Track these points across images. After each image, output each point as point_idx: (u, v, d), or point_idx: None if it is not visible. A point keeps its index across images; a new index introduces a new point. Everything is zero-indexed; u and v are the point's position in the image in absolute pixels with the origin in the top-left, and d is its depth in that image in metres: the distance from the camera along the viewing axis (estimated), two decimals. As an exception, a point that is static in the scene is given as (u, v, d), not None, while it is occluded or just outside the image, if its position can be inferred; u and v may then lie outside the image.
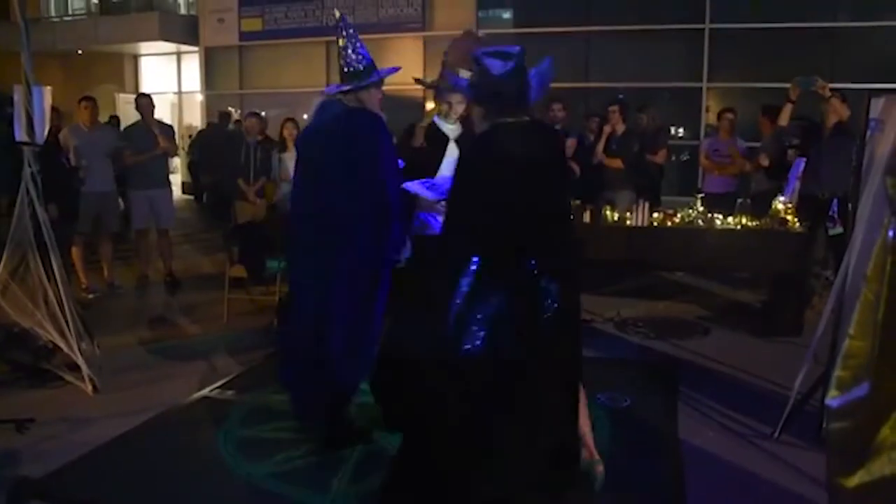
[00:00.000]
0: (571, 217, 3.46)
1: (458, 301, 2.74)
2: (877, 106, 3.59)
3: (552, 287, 2.79)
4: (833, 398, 1.81)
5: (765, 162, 6.93)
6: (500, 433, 2.74)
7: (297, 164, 3.81)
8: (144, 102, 7.28)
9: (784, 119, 6.18)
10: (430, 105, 13.53)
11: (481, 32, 13.44)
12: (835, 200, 5.79)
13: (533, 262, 2.80)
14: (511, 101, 2.93)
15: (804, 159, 6.26)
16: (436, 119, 4.43)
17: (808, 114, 6.84)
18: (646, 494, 3.30)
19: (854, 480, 1.65)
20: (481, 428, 2.73)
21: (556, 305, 2.79)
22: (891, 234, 1.63)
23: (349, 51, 3.60)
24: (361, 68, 3.60)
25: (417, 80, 4.56)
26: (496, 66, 2.92)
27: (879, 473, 1.61)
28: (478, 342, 2.71)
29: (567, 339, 2.93)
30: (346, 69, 3.60)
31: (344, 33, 3.64)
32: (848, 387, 1.77)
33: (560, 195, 3.11)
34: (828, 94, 5.83)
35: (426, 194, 4.02)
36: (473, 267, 2.75)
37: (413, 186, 4.02)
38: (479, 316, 2.72)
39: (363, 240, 3.53)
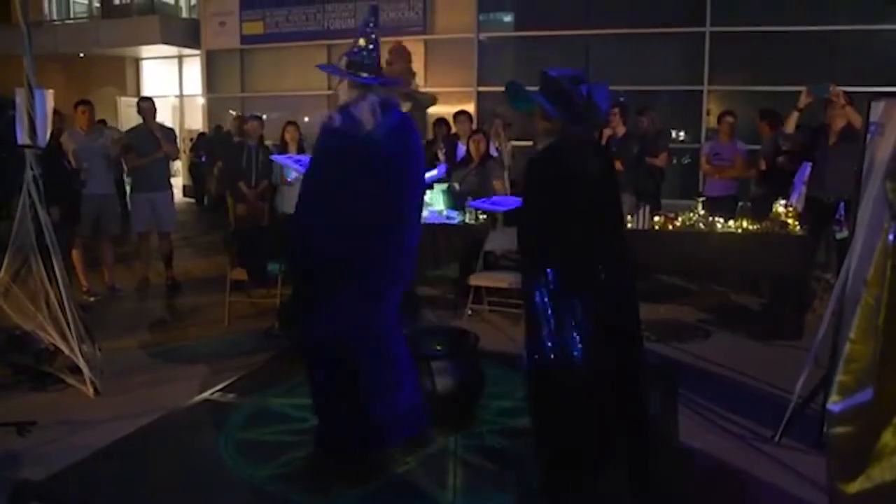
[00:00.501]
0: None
1: (550, 313, 2.94)
2: (877, 110, 3.60)
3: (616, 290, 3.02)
4: (835, 403, 1.80)
5: (762, 166, 6.94)
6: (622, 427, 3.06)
7: (341, 166, 3.26)
8: (147, 106, 7.30)
9: (790, 126, 6.16)
10: (431, 108, 13.53)
11: (482, 36, 13.51)
12: (841, 204, 5.77)
13: (601, 268, 3.00)
14: (587, 115, 3.08)
15: (810, 164, 6.26)
16: None
17: (809, 117, 6.86)
18: (647, 497, 3.30)
19: (855, 486, 1.65)
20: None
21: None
22: (891, 237, 1.63)
23: (371, 47, 3.31)
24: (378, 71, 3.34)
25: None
26: (572, 79, 3.06)
27: (880, 479, 1.60)
28: (578, 346, 2.92)
29: (630, 338, 3.14)
30: (377, 64, 3.34)
31: (372, 24, 3.36)
32: (850, 392, 1.77)
33: (618, 205, 3.29)
34: (842, 101, 5.78)
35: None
36: (551, 278, 2.94)
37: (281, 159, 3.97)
38: (573, 322, 2.92)
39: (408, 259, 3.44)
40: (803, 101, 5.94)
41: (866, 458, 1.63)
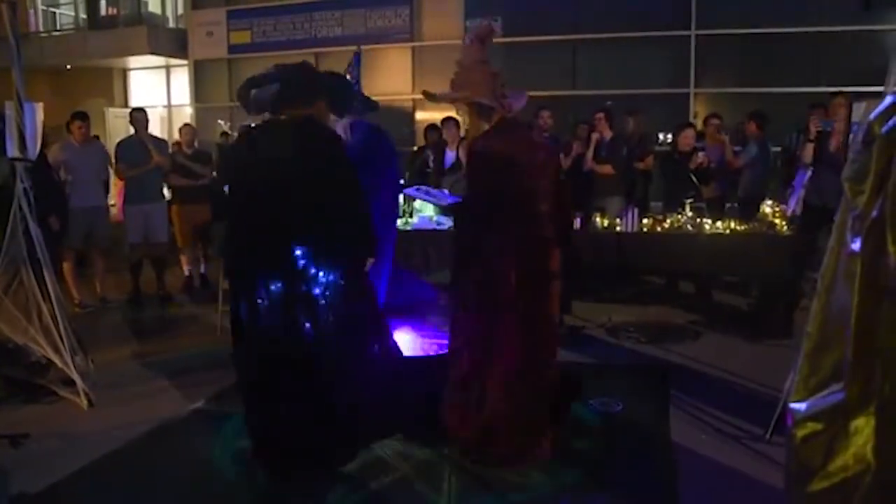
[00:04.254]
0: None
1: None
2: (859, 110, 3.66)
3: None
4: (800, 401, 1.81)
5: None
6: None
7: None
8: (139, 117, 7.29)
9: (808, 157, 6.25)
10: (419, 115, 13.59)
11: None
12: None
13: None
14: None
15: (810, 169, 6.32)
16: None
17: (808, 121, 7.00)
18: (639, 498, 3.33)
19: (815, 485, 1.66)
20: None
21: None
22: (856, 247, 1.65)
23: None
24: None
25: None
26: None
27: (843, 475, 1.62)
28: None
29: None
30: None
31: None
32: (816, 390, 1.78)
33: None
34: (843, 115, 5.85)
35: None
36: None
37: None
38: None
39: None
40: (813, 132, 6.04)
41: (829, 456, 1.64)
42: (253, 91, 3.42)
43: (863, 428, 1.58)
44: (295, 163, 3.29)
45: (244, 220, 3.38)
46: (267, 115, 3.47)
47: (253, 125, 3.68)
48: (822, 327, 1.78)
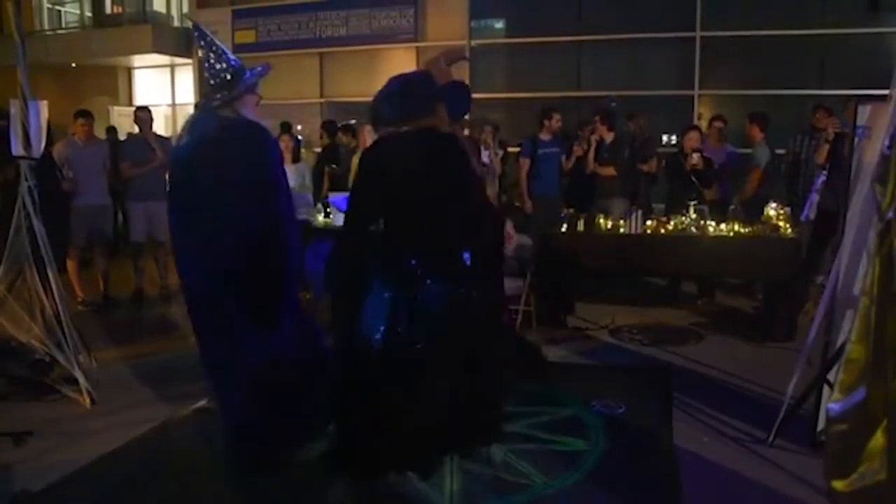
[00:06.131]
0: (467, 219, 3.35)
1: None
2: (864, 113, 3.65)
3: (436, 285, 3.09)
4: (836, 402, 1.83)
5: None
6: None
7: (173, 188, 3.57)
8: (144, 116, 7.30)
9: (822, 157, 6.26)
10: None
11: (474, 43, 13.55)
12: None
13: (413, 261, 3.08)
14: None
15: (824, 174, 6.32)
16: None
17: (812, 123, 7.00)
18: (641, 500, 3.33)
19: (848, 485, 1.67)
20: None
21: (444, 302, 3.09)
22: (872, 233, 1.66)
23: (211, 61, 3.46)
24: (228, 77, 3.46)
25: None
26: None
27: (871, 479, 1.63)
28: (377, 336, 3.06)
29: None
30: (211, 81, 3.48)
31: (202, 42, 3.51)
32: (849, 391, 1.80)
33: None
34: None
35: None
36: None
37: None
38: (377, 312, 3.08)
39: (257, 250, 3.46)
40: (831, 133, 6.04)
41: (858, 457, 1.65)
42: (380, 105, 3.31)
43: (887, 435, 1.60)
44: (431, 171, 3.23)
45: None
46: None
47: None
48: (860, 331, 1.80)
